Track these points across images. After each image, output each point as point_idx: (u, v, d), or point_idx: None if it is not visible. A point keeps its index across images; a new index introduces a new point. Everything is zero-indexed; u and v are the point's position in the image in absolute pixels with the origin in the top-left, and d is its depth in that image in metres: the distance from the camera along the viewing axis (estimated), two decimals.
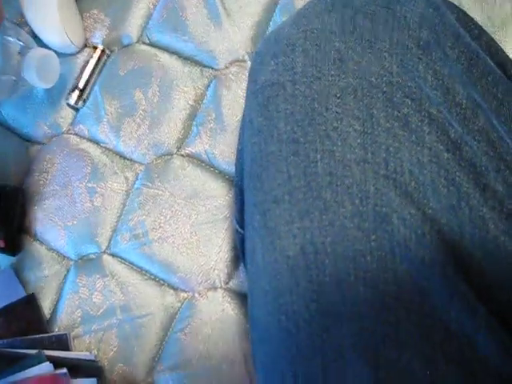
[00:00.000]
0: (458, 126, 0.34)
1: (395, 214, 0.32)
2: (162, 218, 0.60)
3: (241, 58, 0.63)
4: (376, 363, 0.31)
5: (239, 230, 0.47)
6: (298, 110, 0.36)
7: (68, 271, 0.62)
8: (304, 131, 0.35)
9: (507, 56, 0.40)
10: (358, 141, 0.34)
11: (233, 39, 0.64)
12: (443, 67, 0.35)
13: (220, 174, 0.61)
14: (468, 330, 0.31)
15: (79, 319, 0.60)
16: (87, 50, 0.68)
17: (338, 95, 0.35)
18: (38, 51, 0.61)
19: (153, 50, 0.66)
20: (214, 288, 0.59)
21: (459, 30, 0.38)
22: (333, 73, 0.35)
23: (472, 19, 0.40)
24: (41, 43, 0.66)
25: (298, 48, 0.37)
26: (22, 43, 0.61)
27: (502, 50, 0.40)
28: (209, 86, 0.63)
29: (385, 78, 0.35)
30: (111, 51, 0.67)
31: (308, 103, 0.35)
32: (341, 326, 0.32)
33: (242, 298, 0.58)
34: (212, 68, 0.64)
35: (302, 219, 0.34)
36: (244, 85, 0.62)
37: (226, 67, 0.64)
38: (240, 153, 0.43)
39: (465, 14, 0.40)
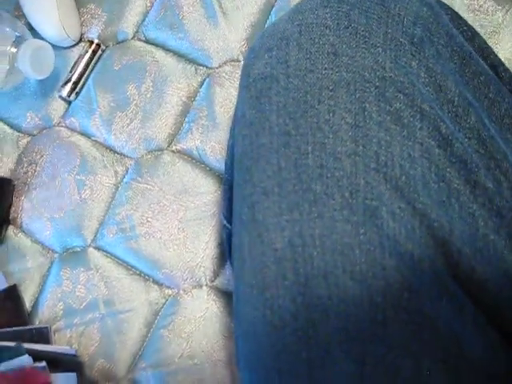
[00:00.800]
0: (449, 122, 0.34)
1: (385, 208, 0.32)
2: (149, 212, 0.60)
3: (235, 57, 0.64)
4: (362, 360, 0.31)
5: (227, 224, 0.46)
6: (291, 103, 0.36)
7: (52, 264, 0.61)
8: (296, 123, 0.35)
9: (499, 59, 0.40)
10: (350, 134, 0.34)
11: (228, 39, 0.64)
12: (436, 64, 0.35)
13: (210, 170, 0.61)
14: (455, 327, 0.31)
15: (61, 312, 0.59)
16: (82, 44, 0.68)
17: (331, 88, 0.35)
18: (33, 42, 0.60)
19: (148, 47, 0.66)
20: (200, 285, 0.58)
21: (452, 30, 0.38)
22: (326, 66, 0.35)
23: (465, 21, 0.40)
24: (37, 36, 0.65)
25: (292, 42, 0.37)
26: (17, 34, 0.61)
27: (494, 53, 0.41)
28: (202, 83, 0.63)
29: (378, 73, 0.35)
30: (106, 46, 0.67)
31: (301, 96, 0.35)
32: (328, 321, 0.32)
33: (227, 296, 0.58)
34: (206, 66, 0.64)
35: (291, 211, 0.34)
36: (237, 83, 0.62)
37: (220, 66, 0.64)
38: (231, 148, 0.43)
39: (458, 15, 0.40)
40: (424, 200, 0.32)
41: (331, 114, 0.34)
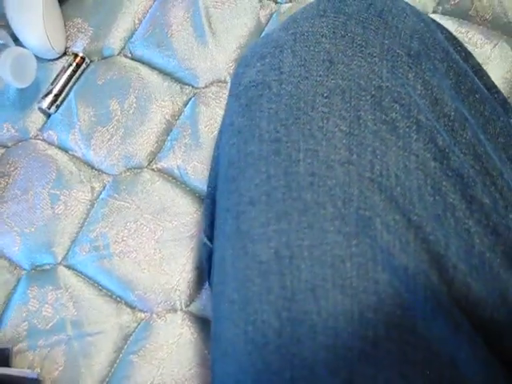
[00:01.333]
0: (446, 135, 0.33)
1: (379, 219, 0.31)
2: (125, 231, 0.57)
3: (222, 78, 0.63)
4: (350, 381, 0.29)
5: (207, 242, 0.44)
6: (283, 109, 0.34)
7: (19, 281, 0.58)
8: (287, 130, 0.34)
9: (492, 81, 0.40)
10: (344, 141, 0.32)
11: (216, 59, 0.63)
12: (433, 78, 0.35)
13: (190, 191, 0.59)
14: (450, 347, 0.29)
15: (25, 333, 0.55)
16: (66, 57, 0.66)
17: (326, 95, 0.34)
18: (16, 49, 0.59)
19: (134, 64, 0.65)
20: (174, 310, 0.55)
21: (448, 48, 0.38)
22: (321, 73, 0.34)
23: (460, 42, 0.40)
24: (21, 46, 0.64)
25: (286, 49, 0.36)
26: (0, 41, 0.59)
27: (487, 74, 0.40)
28: (187, 102, 0.62)
29: (374, 82, 0.34)
30: (91, 61, 0.66)
31: (293, 102, 0.34)
32: (314, 337, 0.29)
33: (202, 322, 0.55)
34: (192, 86, 0.63)
35: (279, 221, 0.32)
36: (223, 104, 0.61)
37: (207, 86, 0.63)
38: (216, 159, 0.41)
39: (453, 36, 0.40)
40: (419, 212, 0.31)
41: (325, 121, 0.33)
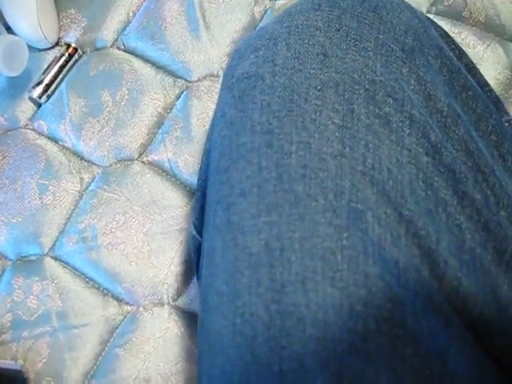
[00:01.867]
0: (438, 131, 0.33)
1: (370, 212, 0.31)
2: (114, 223, 0.57)
3: (215, 72, 0.62)
4: (339, 374, 0.28)
5: (196, 235, 0.44)
6: (276, 101, 0.34)
7: (3, 271, 0.57)
8: (280, 122, 0.33)
9: (485, 79, 0.40)
10: (337, 134, 0.32)
11: (209, 53, 0.63)
12: (426, 74, 0.35)
13: (181, 184, 0.58)
14: (440, 343, 0.29)
15: (8, 324, 0.55)
16: (58, 47, 0.66)
17: (319, 88, 0.34)
18: (8, 37, 0.58)
19: (126, 56, 0.64)
20: (161, 303, 0.55)
21: (442, 44, 0.38)
22: (315, 66, 0.34)
23: (454, 40, 0.40)
24: (11, 34, 0.63)
25: (280, 42, 0.36)
26: None
27: (480, 73, 0.40)
28: (180, 96, 0.62)
29: (368, 76, 0.34)
30: (84, 52, 0.65)
31: (287, 94, 0.34)
32: (304, 330, 0.29)
33: (189, 316, 0.54)
34: (185, 79, 0.63)
35: (270, 213, 0.32)
36: (215, 98, 0.61)
37: (199, 80, 0.62)
38: (207, 152, 0.41)
39: (447, 33, 0.40)
40: (411, 207, 0.31)
41: (318, 114, 0.33)
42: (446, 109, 0.34)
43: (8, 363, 0.52)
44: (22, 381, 0.52)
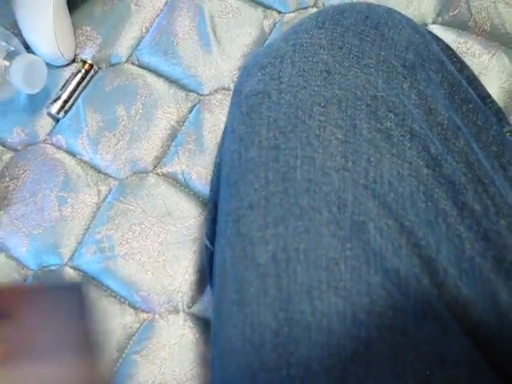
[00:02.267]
0: (438, 144, 0.34)
1: (372, 223, 0.32)
2: (130, 233, 0.59)
3: (226, 86, 0.64)
4: (343, 380, 0.30)
5: (209, 245, 0.45)
6: (282, 118, 0.36)
7: (26, 281, 0.59)
8: (286, 138, 0.35)
9: (487, 91, 0.41)
10: (340, 149, 0.34)
11: (221, 67, 0.65)
12: (427, 88, 0.36)
13: (194, 195, 0.60)
14: (439, 349, 0.30)
15: None
16: (75, 64, 0.68)
17: (323, 104, 0.35)
18: (27, 56, 0.61)
19: (140, 71, 0.66)
20: (176, 311, 0.57)
21: (443, 58, 0.39)
22: (319, 83, 0.36)
23: (455, 53, 0.41)
24: (31, 53, 0.65)
25: (286, 60, 0.38)
26: (12, 48, 0.61)
27: (482, 85, 0.41)
28: (192, 109, 0.64)
29: (370, 92, 0.35)
30: (99, 68, 0.68)
31: (292, 111, 0.36)
32: (309, 337, 0.31)
33: (203, 323, 0.56)
34: (197, 93, 0.64)
35: (277, 225, 0.33)
36: (227, 111, 0.62)
37: (211, 93, 0.64)
38: (217, 165, 0.43)
39: (449, 47, 0.41)
40: (412, 218, 0.32)
41: (322, 130, 0.34)
42: (446, 122, 0.35)
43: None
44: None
